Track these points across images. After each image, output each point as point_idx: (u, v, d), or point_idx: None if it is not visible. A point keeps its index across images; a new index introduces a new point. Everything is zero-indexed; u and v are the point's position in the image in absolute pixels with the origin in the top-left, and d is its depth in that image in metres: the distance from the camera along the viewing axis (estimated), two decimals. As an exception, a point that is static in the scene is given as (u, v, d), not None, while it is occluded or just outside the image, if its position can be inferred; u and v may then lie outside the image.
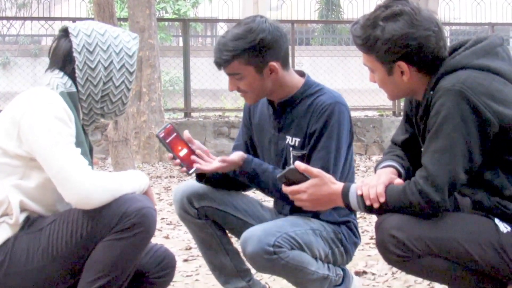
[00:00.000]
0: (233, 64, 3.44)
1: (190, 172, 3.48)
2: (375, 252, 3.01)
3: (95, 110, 3.14)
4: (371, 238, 5.38)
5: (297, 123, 3.55)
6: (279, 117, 3.60)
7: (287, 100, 3.57)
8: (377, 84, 3.08)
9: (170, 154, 3.46)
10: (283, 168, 3.57)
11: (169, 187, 9.06)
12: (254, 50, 3.42)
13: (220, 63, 3.46)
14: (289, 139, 3.57)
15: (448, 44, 3.01)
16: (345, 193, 2.99)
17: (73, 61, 3.08)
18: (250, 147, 3.79)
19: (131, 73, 3.16)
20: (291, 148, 3.56)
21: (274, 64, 3.46)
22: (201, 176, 3.69)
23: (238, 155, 3.54)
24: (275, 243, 3.37)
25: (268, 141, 3.66)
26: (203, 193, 3.70)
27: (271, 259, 3.36)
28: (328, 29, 24.27)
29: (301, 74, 3.63)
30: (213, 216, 3.70)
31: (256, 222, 3.65)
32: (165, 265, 3.28)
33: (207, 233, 3.73)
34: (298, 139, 3.54)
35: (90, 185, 2.86)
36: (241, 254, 3.66)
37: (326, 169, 3.31)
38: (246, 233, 3.42)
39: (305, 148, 3.52)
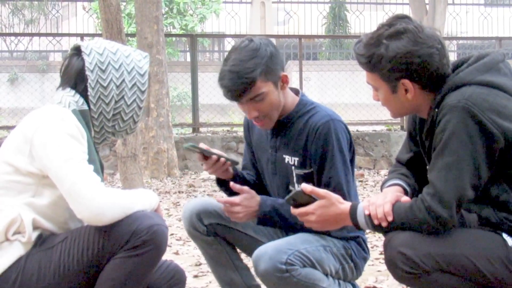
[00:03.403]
0: (257, 85, 3.38)
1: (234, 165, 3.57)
2: (385, 267, 3.00)
3: (107, 128, 3.16)
4: (381, 253, 5.37)
5: (293, 143, 3.55)
6: (276, 136, 3.60)
7: (283, 119, 3.56)
8: (381, 102, 3.09)
9: (215, 156, 3.51)
10: (286, 187, 3.59)
11: (178, 202, 9.06)
12: (268, 64, 3.40)
13: (242, 90, 3.37)
14: (288, 159, 3.56)
15: (455, 58, 3.02)
16: (352, 213, 3.00)
17: (85, 80, 3.10)
18: (256, 164, 3.80)
19: (142, 92, 3.18)
20: (293, 167, 3.56)
21: (285, 74, 3.47)
22: (222, 182, 3.69)
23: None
24: (287, 261, 3.36)
25: (266, 160, 3.67)
26: (213, 210, 3.69)
27: (283, 277, 3.35)
28: (336, 43, 24.30)
29: (296, 92, 3.63)
30: (222, 233, 3.70)
31: (265, 239, 3.67)
32: (176, 281, 3.29)
33: (217, 249, 3.74)
34: (296, 158, 3.54)
35: (102, 201, 2.86)
36: (251, 270, 3.68)
37: (339, 187, 3.39)
38: (257, 251, 3.41)
39: (307, 167, 3.52)
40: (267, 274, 3.36)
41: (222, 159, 3.53)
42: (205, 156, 3.53)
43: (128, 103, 3.15)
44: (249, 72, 3.35)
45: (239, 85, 3.36)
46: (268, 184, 3.69)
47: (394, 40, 2.92)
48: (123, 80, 3.13)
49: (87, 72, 3.09)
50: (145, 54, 3.25)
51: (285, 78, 3.48)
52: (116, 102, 3.13)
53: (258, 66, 3.36)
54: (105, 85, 3.10)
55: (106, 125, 3.15)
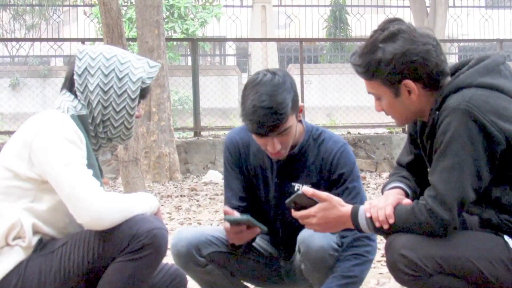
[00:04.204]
0: (288, 119, 3.36)
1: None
2: (386, 270, 3.00)
3: (99, 134, 3.14)
4: (383, 256, 5.35)
5: (307, 171, 3.56)
6: (283, 166, 3.57)
7: (297, 149, 3.54)
8: (385, 110, 3.06)
9: (258, 229, 3.44)
10: None
11: (180, 206, 9.06)
12: (294, 97, 3.38)
13: (275, 125, 3.33)
14: (299, 187, 3.54)
15: (456, 60, 3.02)
16: (354, 215, 2.99)
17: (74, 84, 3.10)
18: (246, 192, 3.68)
19: (132, 99, 3.13)
20: None
21: (302, 104, 3.47)
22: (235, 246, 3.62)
23: None
24: (337, 242, 3.44)
25: (268, 189, 3.62)
26: (206, 239, 3.63)
27: (334, 256, 3.42)
28: (336, 46, 24.32)
29: None
30: (220, 260, 3.65)
31: (265, 258, 3.73)
32: (176, 284, 3.29)
33: (214, 275, 3.67)
34: (309, 186, 3.51)
35: (102, 205, 2.86)
36: (244, 283, 3.75)
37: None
38: (304, 233, 3.43)
39: None
40: (322, 251, 3.40)
41: (257, 228, 3.44)
42: (249, 226, 3.43)
43: (117, 109, 3.12)
44: (282, 107, 3.31)
45: (274, 120, 3.32)
46: (266, 213, 3.65)
47: (389, 42, 2.91)
48: (111, 86, 3.10)
49: (75, 76, 3.09)
50: (154, 64, 3.21)
51: (302, 108, 3.47)
52: (104, 107, 3.10)
53: (288, 101, 3.34)
54: (91, 89, 3.08)
55: (98, 131, 3.13)
